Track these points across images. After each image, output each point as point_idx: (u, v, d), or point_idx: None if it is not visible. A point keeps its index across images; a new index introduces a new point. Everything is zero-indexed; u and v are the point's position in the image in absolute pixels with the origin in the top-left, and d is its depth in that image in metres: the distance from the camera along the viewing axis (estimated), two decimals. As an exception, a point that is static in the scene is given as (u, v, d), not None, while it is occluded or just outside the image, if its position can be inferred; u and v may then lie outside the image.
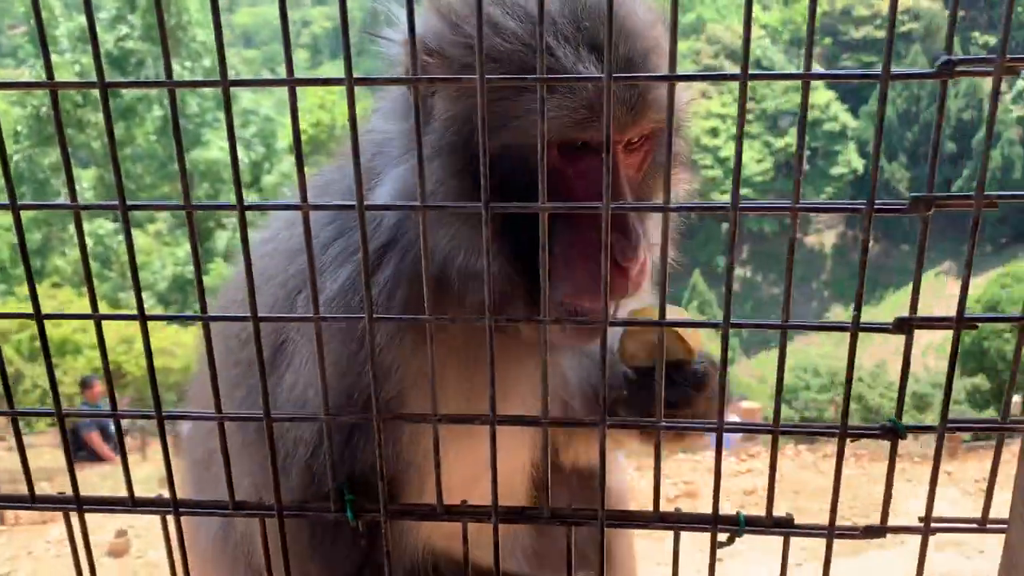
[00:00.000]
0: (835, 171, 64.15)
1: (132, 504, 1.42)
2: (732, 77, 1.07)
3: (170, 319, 1.28)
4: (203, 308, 1.29)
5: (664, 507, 1.37)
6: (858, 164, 63.39)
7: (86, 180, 35.34)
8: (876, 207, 1.14)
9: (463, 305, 1.65)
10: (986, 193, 1.13)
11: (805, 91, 1.11)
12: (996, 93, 1.10)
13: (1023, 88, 56.70)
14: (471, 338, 1.70)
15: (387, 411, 1.58)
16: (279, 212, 1.98)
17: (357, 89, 1.14)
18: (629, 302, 1.68)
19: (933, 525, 1.30)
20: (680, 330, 1.66)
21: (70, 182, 1.25)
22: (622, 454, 2.44)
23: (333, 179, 1.91)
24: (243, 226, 1.23)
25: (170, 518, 1.43)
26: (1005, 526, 1.28)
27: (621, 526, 1.38)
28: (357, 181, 1.17)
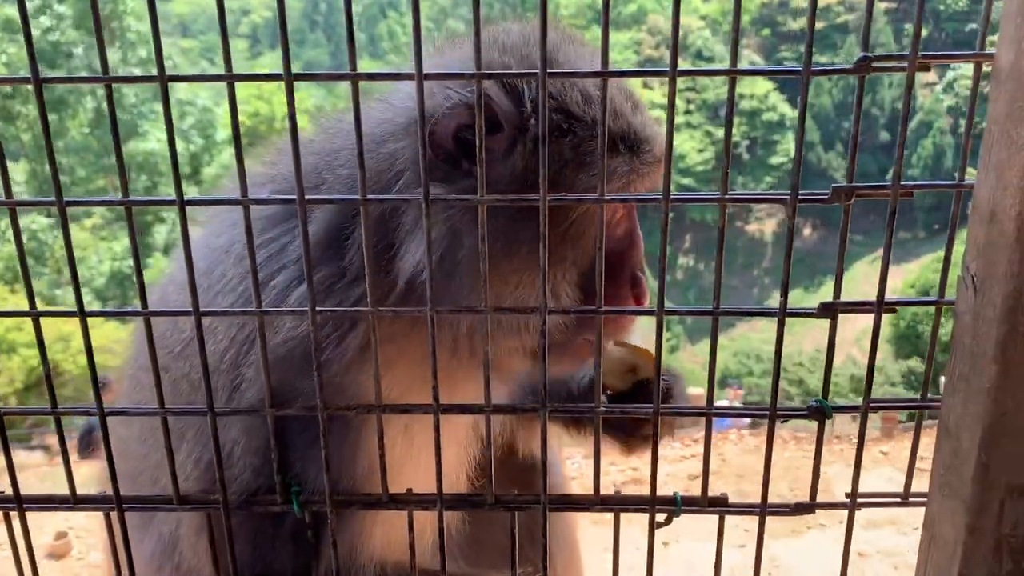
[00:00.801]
0: (774, 160, 65.41)
1: (74, 501, 1.42)
2: (661, 73, 1.11)
3: (110, 315, 1.27)
4: (144, 303, 1.29)
5: (610, 492, 1.41)
6: (797, 153, 64.31)
7: (18, 174, 34.24)
8: (800, 197, 1.20)
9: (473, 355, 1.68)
10: (902, 183, 1.19)
11: (731, 87, 1.16)
12: (910, 89, 1.16)
13: (952, 79, 58.44)
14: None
15: (340, 432, 1.59)
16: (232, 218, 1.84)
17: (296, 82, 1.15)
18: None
19: (859, 500, 1.37)
20: (649, 351, 1.81)
21: (4, 178, 1.24)
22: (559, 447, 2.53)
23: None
24: (184, 222, 1.24)
25: (114, 515, 1.43)
26: (926, 499, 1.35)
27: (563, 509, 1.42)
28: (298, 178, 1.19)
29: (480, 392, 1.32)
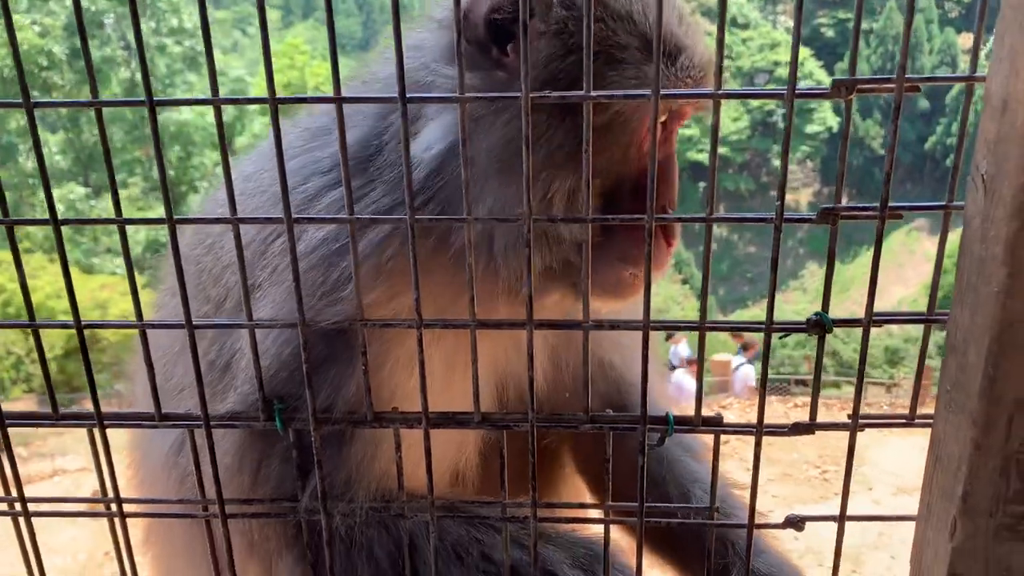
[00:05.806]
0: (810, 129, 64.27)
1: (56, 417, 1.40)
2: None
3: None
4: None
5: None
6: (833, 122, 63.31)
7: (53, 144, 34.63)
8: (798, 92, 1.14)
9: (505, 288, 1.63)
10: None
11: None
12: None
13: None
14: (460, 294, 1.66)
15: (345, 352, 1.56)
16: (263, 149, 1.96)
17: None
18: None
19: (861, 421, 1.30)
20: None
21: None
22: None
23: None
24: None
25: (96, 432, 1.41)
26: (931, 421, 1.28)
27: (551, 426, 1.36)
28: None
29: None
